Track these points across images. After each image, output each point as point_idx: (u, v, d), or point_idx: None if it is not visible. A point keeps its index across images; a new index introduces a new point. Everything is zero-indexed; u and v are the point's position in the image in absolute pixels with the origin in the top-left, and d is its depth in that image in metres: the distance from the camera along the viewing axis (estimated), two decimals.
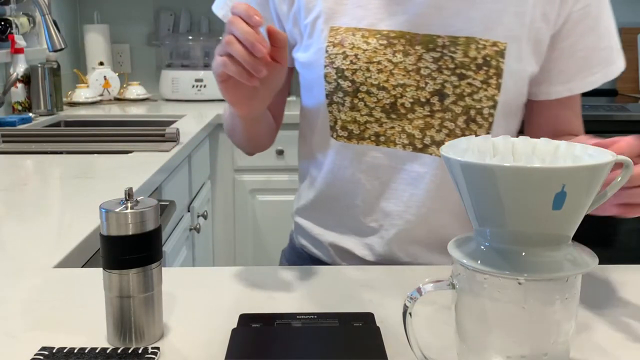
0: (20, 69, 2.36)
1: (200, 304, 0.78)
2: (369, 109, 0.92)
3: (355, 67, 0.90)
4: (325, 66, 0.92)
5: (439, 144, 0.91)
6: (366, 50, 0.90)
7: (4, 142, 1.88)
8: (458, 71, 0.87)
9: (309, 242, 1.05)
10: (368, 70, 0.89)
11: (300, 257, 1.10)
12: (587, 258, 0.54)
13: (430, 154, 0.92)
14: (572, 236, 0.55)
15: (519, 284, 0.52)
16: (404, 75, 0.88)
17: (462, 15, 0.88)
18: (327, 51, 0.91)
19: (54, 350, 0.65)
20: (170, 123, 2.30)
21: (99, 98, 2.88)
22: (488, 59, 0.87)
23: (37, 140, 1.95)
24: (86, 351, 0.65)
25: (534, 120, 0.98)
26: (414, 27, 0.89)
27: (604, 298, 0.81)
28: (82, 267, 0.99)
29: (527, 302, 0.53)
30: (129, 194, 0.66)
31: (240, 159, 2.59)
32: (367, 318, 0.71)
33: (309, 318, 0.71)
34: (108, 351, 0.65)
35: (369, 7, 0.91)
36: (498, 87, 0.87)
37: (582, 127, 0.98)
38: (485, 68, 0.87)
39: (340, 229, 1.00)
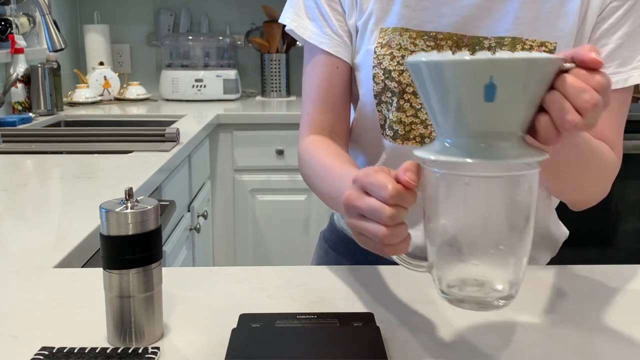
0: (20, 69, 2.36)
1: (200, 304, 0.79)
2: (414, 110, 0.92)
3: (402, 68, 0.90)
4: (374, 67, 0.92)
5: None
6: (413, 51, 0.89)
7: (4, 142, 1.88)
8: None
9: None
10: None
11: (341, 238, 1.10)
12: (536, 151, 0.57)
13: None
14: (521, 133, 0.57)
15: (474, 177, 0.58)
16: None
17: (510, 16, 0.87)
18: (375, 52, 0.92)
19: (54, 350, 0.65)
20: (170, 123, 2.30)
21: (99, 98, 2.88)
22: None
23: (37, 140, 1.95)
24: (86, 351, 0.65)
25: None
26: (462, 28, 0.89)
27: (604, 298, 0.81)
28: (82, 267, 0.99)
29: (475, 196, 0.57)
30: (129, 194, 0.66)
31: (240, 159, 2.59)
32: (367, 318, 0.71)
33: (309, 318, 0.71)
34: (108, 351, 0.65)
35: (417, 8, 0.90)
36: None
37: (618, 131, 0.88)
38: None
39: None
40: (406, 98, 0.92)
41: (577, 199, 0.89)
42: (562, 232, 1.08)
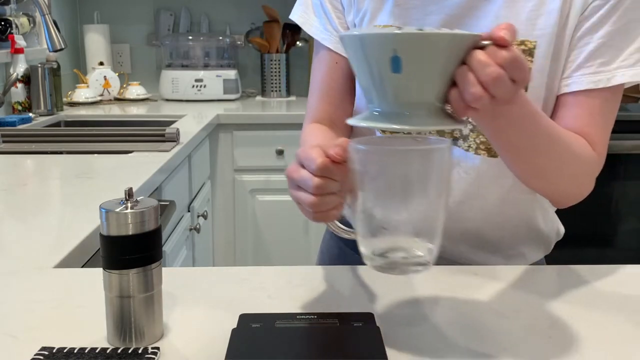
0: (20, 69, 2.36)
1: (200, 304, 0.79)
2: None
3: None
4: None
5: (466, 138, 0.93)
6: None
7: (4, 142, 1.88)
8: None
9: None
10: None
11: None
12: (452, 121, 0.63)
13: (459, 147, 0.93)
14: (440, 104, 0.62)
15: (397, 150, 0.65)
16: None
17: (491, 15, 0.88)
18: None
19: (54, 350, 0.65)
20: (170, 123, 2.30)
21: (99, 98, 2.88)
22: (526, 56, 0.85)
23: (37, 140, 1.95)
24: (86, 351, 0.65)
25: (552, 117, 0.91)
26: (446, 26, 0.89)
27: (604, 298, 0.81)
28: (82, 267, 0.99)
29: (392, 169, 0.63)
30: (129, 194, 0.66)
31: (240, 159, 2.59)
32: (367, 318, 0.71)
33: (309, 318, 0.71)
34: (108, 351, 0.65)
35: (406, 7, 0.92)
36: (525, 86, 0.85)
37: (600, 129, 0.87)
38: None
39: None
40: None
41: (551, 191, 0.89)
42: (554, 229, 1.06)
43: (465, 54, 0.60)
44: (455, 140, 0.93)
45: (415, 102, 0.62)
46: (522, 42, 0.86)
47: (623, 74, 0.85)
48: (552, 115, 0.89)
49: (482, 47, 0.60)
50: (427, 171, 0.64)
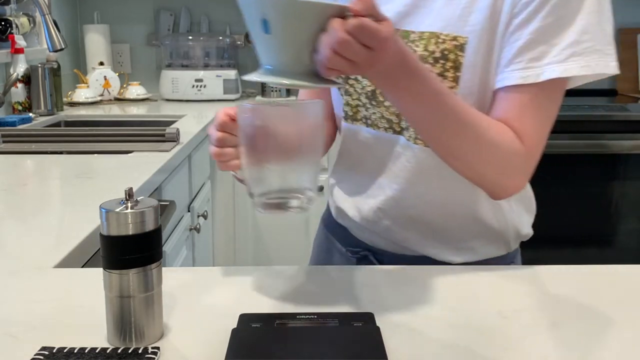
0: (20, 69, 2.36)
1: (200, 304, 0.79)
2: (357, 94, 1.00)
3: None
4: None
5: (408, 128, 0.96)
6: None
7: (4, 142, 1.88)
8: (453, 64, 0.90)
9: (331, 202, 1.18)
10: None
11: (330, 216, 1.17)
12: (320, 80, 0.72)
13: (405, 137, 0.97)
14: (310, 65, 0.70)
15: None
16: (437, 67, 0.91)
17: (434, 13, 0.91)
18: None
19: (54, 350, 0.65)
20: (170, 123, 2.30)
21: (99, 98, 2.88)
22: (446, 52, 0.89)
23: (37, 140, 1.95)
24: (86, 351, 0.65)
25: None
26: (396, 23, 0.93)
27: (604, 298, 0.81)
28: (82, 267, 0.99)
29: (270, 124, 0.75)
30: (129, 194, 0.66)
31: None
32: (367, 318, 0.71)
33: (309, 318, 0.71)
34: (108, 351, 0.65)
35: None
36: (455, 79, 0.89)
37: (531, 123, 0.88)
38: (442, 61, 0.89)
39: (345, 194, 1.09)
40: (350, 83, 0.99)
41: (478, 178, 0.90)
42: (511, 227, 1.03)
43: (328, 21, 0.67)
44: (401, 130, 0.97)
45: (289, 61, 0.71)
46: (455, 38, 0.89)
47: (553, 70, 0.85)
48: (489, 110, 0.91)
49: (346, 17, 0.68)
50: (299, 124, 0.76)
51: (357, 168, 1.05)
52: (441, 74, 0.89)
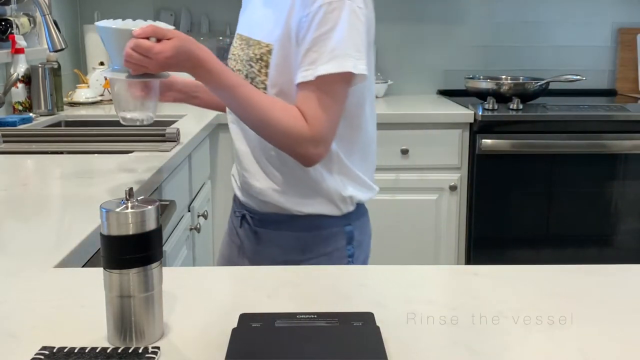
0: (20, 69, 2.36)
1: (200, 304, 0.79)
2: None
3: (230, 57, 1.34)
4: (228, 58, 1.36)
5: None
6: (234, 47, 1.34)
7: (4, 142, 1.88)
8: (249, 63, 1.26)
9: None
10: (231, 60, 1.33)
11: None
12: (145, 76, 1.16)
13: None
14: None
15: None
16: (237, 64, 1.30)
17: (260, 26, 1.26)
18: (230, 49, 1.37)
19: (55, 350, 0.65)
20: (170, 123, 2.30)
21: (99, 98, 2.88)
22: (262, 55, 1.23)
23: (37, 140, 1.95)
24: (86, 351, 0.65)
25: None
26: (246, 31, 1.30)
27: (604, 298, 0.81)
28: (83, 267, 0.99)
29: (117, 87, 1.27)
30: (129, 194, 0.66)
31: None
32: (367, 318, 0.71)
33: (309, 318, 0.71)
34: (108, 351, 0.65)
35: (243, 17, 1.36)
36: (267, 75, 1.23)
37: (313, 109, 1.16)
38: (260, 62, 1.24)
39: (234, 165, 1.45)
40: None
41: (273, 144, 1.22)
42: (333, 190, 1.27)
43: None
44: None
45: (119, 63, 1.13)
46: (267, 45, 1.22)
47: (320, 70, 1.14)
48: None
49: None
50: (136, 87, 1.23)
51: (234, 142, 1.38)
52: (259, 70, 1.23)
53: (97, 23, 1.13)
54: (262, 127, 1.19)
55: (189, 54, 1.11)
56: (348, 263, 1.31)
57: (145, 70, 1.11)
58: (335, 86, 1.17)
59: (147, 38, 1.09)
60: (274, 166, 1.28)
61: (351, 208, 1.30)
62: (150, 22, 1.13)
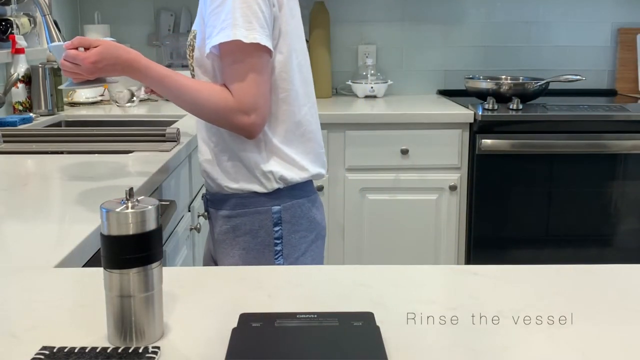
0: (21, 69, 2.36)
1: (200, 304, 0.79)
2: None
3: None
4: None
5: None
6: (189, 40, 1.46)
7: (4, 142, 1.89)
8: (186, 52, 1.42)
9: None
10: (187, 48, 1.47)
11: None
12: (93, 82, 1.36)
13: None
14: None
15: None
16: (188, 52, 1.42)
17: (199, 16, 1.37)
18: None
19: (55, 350, 0.65)
20: (170, 123, 2.30)
21: (99, 98, 2.88)
22: (190, 41, 1.40)
23: (37, 140, 1.95)
24: (87, 350, 0.65)
25: None
26: (195, 24, 1.40)
27: (604, 298, 0.82)
28: (83, 266, 0.99)
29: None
30: (130, 194, 0.66)
31: None
32: (367, 318, 0.71)
33: (309, 318, 0.71)
34: (108, 350, 0.65)
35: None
36: (193, 57, 1.38)
37: (228, 81, 1.29)
38: (189, 47, 1.40)
39: None
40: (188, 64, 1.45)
41: (210, 121, 1.36)
42: (254, 165, 1.34)
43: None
44: None
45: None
46: (193, 32, 1.38)
47: (215, 40, 1.26)
48: None
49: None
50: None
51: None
52: (189, 55, 1.40)
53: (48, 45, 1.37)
54: (196, 109, 1.32)
55: (116, 57, 1.25)
56: (275, 245, 1.36)
57: (80, 76, 1.27)
58: (244, 56, 1.26)
59: (77, 49, 1.25)
60: (212, 139, 1.39)
61: (276, 185, 1.35)
62: (78, 37, 1.29)
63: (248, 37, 1.24)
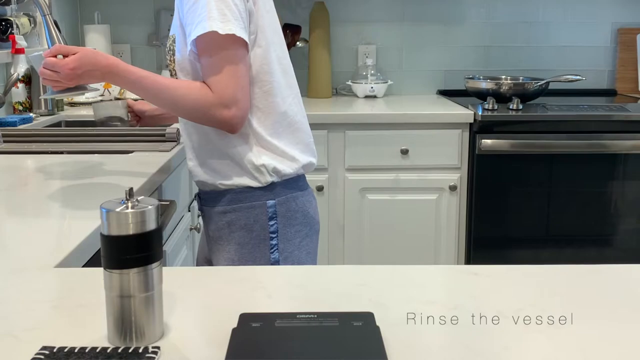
0: (21, 69, 2.36)
1: (200, 304, 0.79)
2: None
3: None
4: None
5: None
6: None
7: (4, 142, 1.89)
8: (167, 57, 1.45)
9: None
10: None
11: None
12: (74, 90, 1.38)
13: None
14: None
15: None
16: (169, 57, 1.44)
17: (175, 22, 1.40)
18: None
19: (55, 350, 0.65)
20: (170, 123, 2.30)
21: (99, 98, 2.87)
22: (170, 46, 1.41)
23: (37, 140, 1.95)
24: (87, 350, 0.65)
25: None
26: (173, 28, 1.42)
27: (604, 298, 0.82)
28: (83, 266, 0.99)
29: None
30: (130, 194, 0.66)
31: None
32: (367, 318, 0.71)
33: (309, 318, 0.71)
34: (108, 350, 0.65)
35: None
36: (174, 61, 1.39)
37: (207, 76, 1.30)
38: (169, 52, 1.42)
39: None
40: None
41: (192, 119, 1.36)
42: (246, 159, 1.34)
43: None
44: None
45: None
46: (172, 36, 1.39)
47: (193, 35, 1.27)
48: None
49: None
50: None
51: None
52: (170, 59, 1.41)
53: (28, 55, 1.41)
54: (176, 108, 1.35)
55: (95, 63, 1.27)
56: (271, 239, 1.36)
57: (60, 84, 1.29)
58: (221, 49, 1.26)
59: (55, 57, 1.27)
60: (194, 141, 1.39)
61: (270, 179, 1.35)
62: (56, 45, 1.34)
63: (223, 28, 1.24)
